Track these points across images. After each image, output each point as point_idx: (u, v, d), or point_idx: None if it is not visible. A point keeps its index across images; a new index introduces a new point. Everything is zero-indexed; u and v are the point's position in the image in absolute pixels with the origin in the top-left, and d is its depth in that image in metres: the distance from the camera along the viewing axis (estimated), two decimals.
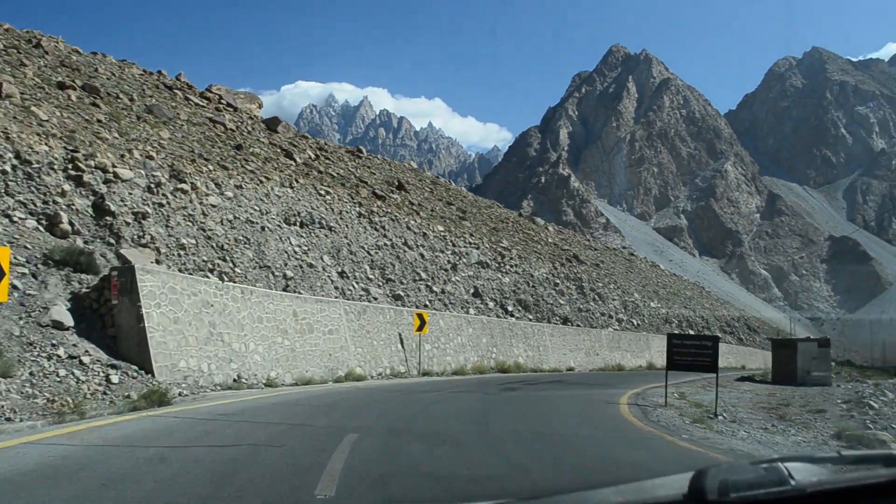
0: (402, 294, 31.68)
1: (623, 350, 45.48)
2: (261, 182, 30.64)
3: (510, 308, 39.77)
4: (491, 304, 38.71)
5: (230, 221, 25.48)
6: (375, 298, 29.03)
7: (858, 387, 25.51)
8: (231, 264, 23.33)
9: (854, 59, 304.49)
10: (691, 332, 62.10)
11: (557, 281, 50.80)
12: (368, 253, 33.34)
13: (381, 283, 31.90)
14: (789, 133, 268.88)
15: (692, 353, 17.54)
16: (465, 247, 44.65)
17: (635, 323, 55.16)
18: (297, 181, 34.43)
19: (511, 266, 46.70)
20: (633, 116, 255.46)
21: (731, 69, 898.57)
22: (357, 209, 37.22)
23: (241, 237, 25.17)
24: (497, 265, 45.14)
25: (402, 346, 25.69)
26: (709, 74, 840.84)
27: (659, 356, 48.74)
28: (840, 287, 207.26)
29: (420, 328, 25.82)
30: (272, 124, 45.08)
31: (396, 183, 51.20)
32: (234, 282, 20.87)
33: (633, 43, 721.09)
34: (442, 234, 44.29)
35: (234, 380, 17.50)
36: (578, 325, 44.92)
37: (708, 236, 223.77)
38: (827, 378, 29.62)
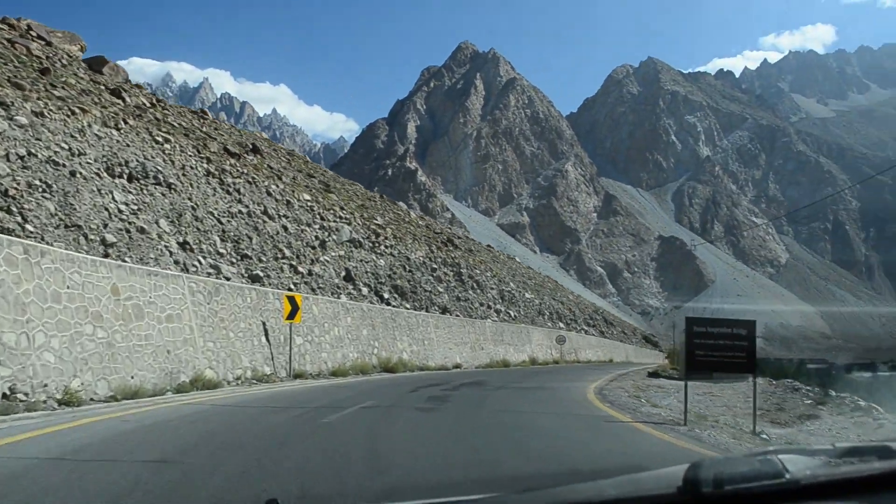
0: (260, 274, 24.73)
1: (506, 344, 41.48)
2: (73, 113, 23.09)
3: (386, 295, 33.84)
4: (365, 291, 32.50)
5: (22, 158, 18.05)
6: (228, 279, 21.76)
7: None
8: (20, 217, 16.26)
9: (685, 71, 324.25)
10: (562, 325, 60.47)
11: (435, 266, 45.38)
12: (219, 221, 26.41)
13: (234, 260, 24.66)
14: (625, 137, 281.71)
15: (721, 347, 12.10)
16: (335, 221, 38.49)
17: (512, 314, 50.86)
18: (126, 122, 26.36)
19: (386, 247, 40.71)
20: (480, 113, 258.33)
21: (574, 73, 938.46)
22: (205, 165, 30.29)
23: (38, 181, 17.88)
24: (371, 245, 38.95)
25: (268, 340, 19.56)
26: (553, 77, 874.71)
27: (540, 350, 46.21)
28: (668, 284, 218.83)
29: (291, 315, 19.98)
30: (97, 64, 33.90)
31: (251, 146, 42.66)
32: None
33: (481, 41, 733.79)
34: (308, 204, 37.96)
35: (4, 395, 10.29)
36: (458, 316, 39.46)
37: (548, 233, 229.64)
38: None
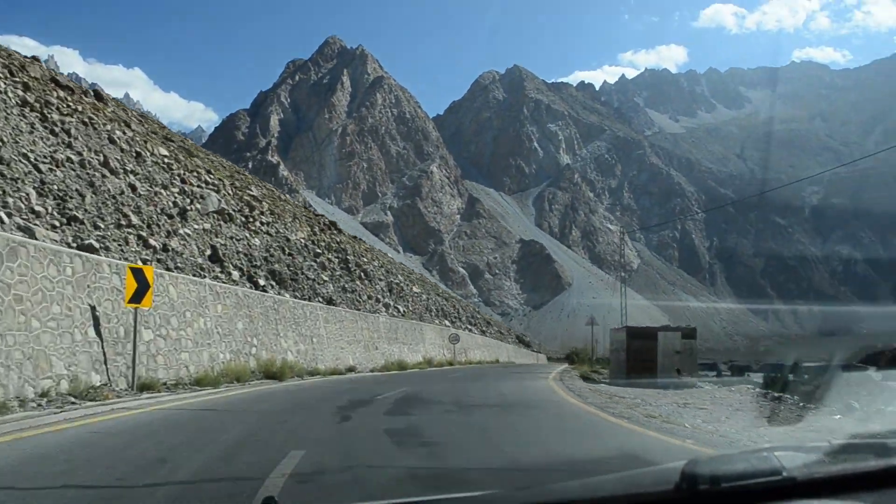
0: (96, 245, 17.66)
1: (401, 343, 36.88)
2: None
3: (262, 282, 26.73)
4: (236, 275, 25.27)
5: None
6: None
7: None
8: None
9: (548, 81, 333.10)
10: (448, 323, 57.28)
11: (319, 250, 38.95)
12: (36, 168, 19.71)
13: (58, 222, 17.84)
14: (489, 142, 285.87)
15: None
16: (200, 187, 31.05)
17: (401, 309, 45.17)
18: None
19: (263, 223, 33.82)
20: (346, 110, 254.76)
21: (441, 76, 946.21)
22: (20, 92, 23.52)
23: None
24: (244, 220, 31.98)
25: (99, 333, 13.03)
26: (421, 78, 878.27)
27: (433, 349, 42.67)
28: (527, 286, 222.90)
29: (138, 297, 13.35)
30: None
31: (93, 93, 35.25)
32: None
33: (349, 37, 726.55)
34: (166, 161, 30.54)
35: None
36: (349, 309, 33.76)
37: (412, 234, 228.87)
38: (691, 381, 24.07)
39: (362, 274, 43.41)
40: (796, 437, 10.58)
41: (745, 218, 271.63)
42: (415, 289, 57.22)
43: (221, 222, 29.30)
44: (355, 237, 60.27)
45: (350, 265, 42.37)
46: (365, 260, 47.81)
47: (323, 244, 41.87)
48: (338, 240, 46.67)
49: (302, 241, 38.15)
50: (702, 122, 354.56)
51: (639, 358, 25.74)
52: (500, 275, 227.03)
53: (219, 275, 23.96)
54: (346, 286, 38.17)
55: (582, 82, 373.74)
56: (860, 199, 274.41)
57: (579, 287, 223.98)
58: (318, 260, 37.21)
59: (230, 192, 35.02)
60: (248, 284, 25.32)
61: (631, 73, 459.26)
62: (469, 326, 64.88)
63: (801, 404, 16.26)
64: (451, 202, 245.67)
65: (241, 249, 28.62)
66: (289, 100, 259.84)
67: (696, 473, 1.93)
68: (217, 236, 27.40)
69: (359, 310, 34.97)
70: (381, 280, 47.31)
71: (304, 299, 28.41)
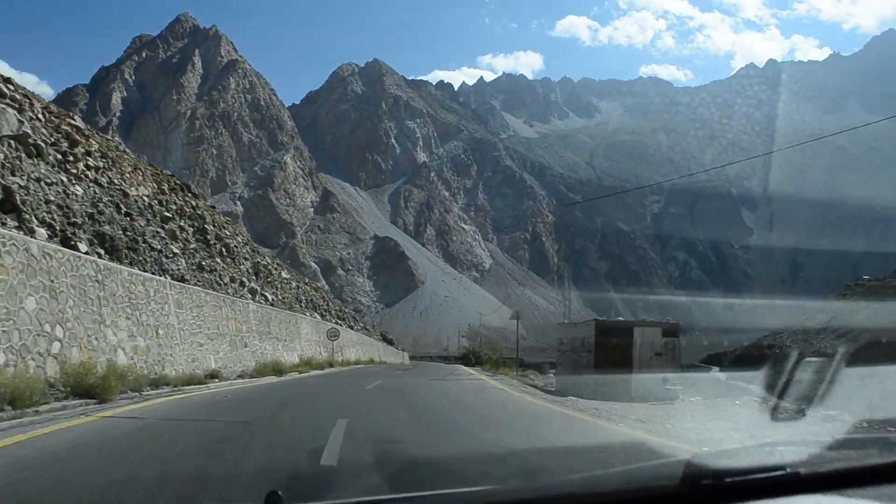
0: None
1: (275, 338, 29.64)
2: None
3: (83, 247, 18.27)
4: (42, 232, 17.03)
5: None
6: None
7: None
8: None
9: (408, 78, 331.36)
10: (318, 316, 48.90)
11: (168, 214, 29.48)
12: None
13: None
14: (346, 135, 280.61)
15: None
16: None
17: (269, 298, 37.02)
18: None
19: (88, 167, 23.56)
20: (197, 93, 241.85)
21: (299, 65, 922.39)
22: None
23: None
24: (61, 158, 21.67)
25: None
26: (277, 65, 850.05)
27: (309, 347, 36.38)
28: (380, 283, 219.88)
29: None
30: None
31: None
32: None
33: (203, 15, 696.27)
34: None
35: None
36: (212, 292, 25.81)
37: (263, 225, 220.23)
38: (675, 390, 20.07)
39: (224, 250, 34.39)
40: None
41: (591, 222, 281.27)
42: (284, 274, 48.83)
43: (22, 154, 19.19)
44: (213, 207, 52.96)
45: (209, 237, 33.03)
46: (227, 233, 37.69)
47: (174, 207, 31.53)
48: (193, 204, 35.60)
49: (145, 199, 27.47)
50: (555, 128, 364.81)
51: (609, 360, 21.15)
52: (352, 271, 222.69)
53: (12, 229, 14.96)
54: (204, 263, 29.80)
55: (441, 81, 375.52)
56: (695, 208, 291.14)
57: (433, 285, 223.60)
58: (166, 226, 27.56)
59: (41, 113, 22.98)
60: (58, 245, 15.69)
61: (489, 76, 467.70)
62: (338, 321, 56.62)
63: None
64: (304, 195, 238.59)
65: (52, 198, 19.13)
66: (133, 77, 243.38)
67: (699, 468, 1.90)
68: (14, 173, 18.19)
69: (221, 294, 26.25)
70: (246, 260, 38.25)
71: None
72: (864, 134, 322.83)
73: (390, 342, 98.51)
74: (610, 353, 21.40)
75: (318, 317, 48.31)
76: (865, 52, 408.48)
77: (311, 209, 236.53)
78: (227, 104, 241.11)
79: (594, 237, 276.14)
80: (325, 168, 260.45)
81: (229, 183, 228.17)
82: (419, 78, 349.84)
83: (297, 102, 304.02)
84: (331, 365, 36.10)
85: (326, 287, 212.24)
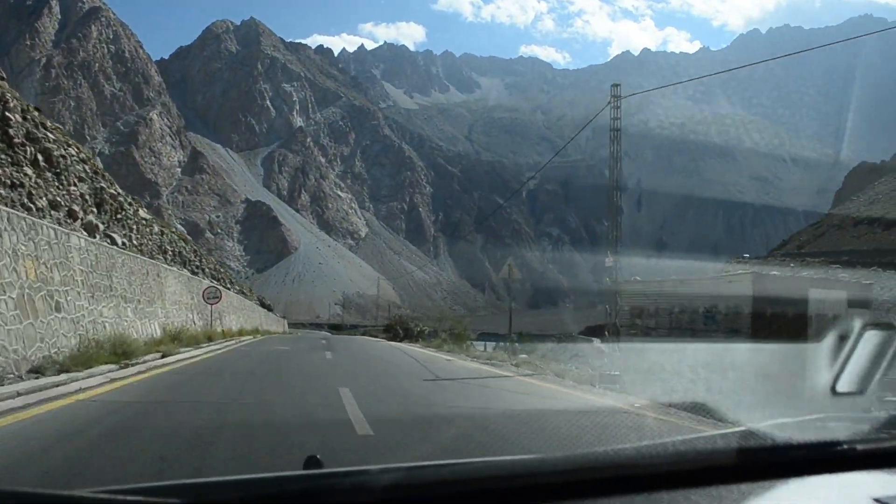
0: None
1: (120, 297, 18.09)
2: None
3: None
4: None
5: None
6: None
7: None
8: None
9: (286, 40, 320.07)
10: (189, 274, 36.14)
11: None
12: None
13: None
14: (219, 94, 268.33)
15: None
16: None
17: (119, 241, 25.42)
18: None
19: None
20: (53, 39, 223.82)
21: (169, 17, 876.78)
22: None
23: None
24: None
25: None
26: (144, 16, 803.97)
27: (177, 311, 25.39)
28: (251, 248, 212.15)
29: None
30: None
31: None
32: None
33: None
34: None
35: None
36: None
37: (125, 184, 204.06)
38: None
39: (42, 159, 22.27)
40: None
41: (469, 196, 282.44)
42: (143, 213, 34.51)
43: None
44: (30, 105, 43.30)
45: (14, 135, 20.89)
46: (51, 137, 24.91)
47: None
48: None
49: None
50: (435, 101, 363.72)
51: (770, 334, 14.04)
52: (222, 234, 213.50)
53: None
54: (4, 173, 19.39)
55: (321, 46, 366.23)
56: (569, 186, 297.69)
57: (306, 252, 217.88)
58: None
59: None
60: None
61: (370, 45, 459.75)
62: (213, 282, 42.64)
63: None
64: (171, 154, 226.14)
65: None
66: None
67: (755, 440, 1.88)
68: None
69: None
70: (81, 182, 26.01)
71: None
72: (726, 124, 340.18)
73: (269, 308, 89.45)
74: (772, 325, 13.94)
75: (189, 274, 36.48)
76: (732, 48, 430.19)
77: (179, 169, 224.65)
78: (88, 54, 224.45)
79: (471, 210, 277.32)
80: (195, 127, 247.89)
81: (88, 137, 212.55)
82: (298, 41, 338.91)
83: (167, 57, 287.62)
84: (210, 339, 25.45)
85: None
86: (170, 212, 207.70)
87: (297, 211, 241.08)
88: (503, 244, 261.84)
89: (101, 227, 25.42)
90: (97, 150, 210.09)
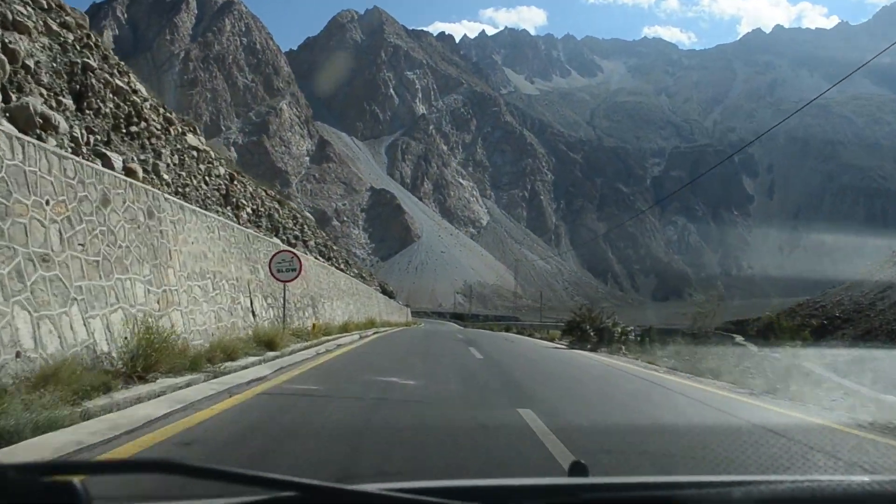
0: None
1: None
2: None
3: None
4: None
5: None
6: None
7: None
8: None
9: (409, 28, 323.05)
10: (279, 240, 28.54)
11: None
12: None
13: None
14: (344, 84, 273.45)
15: None
16: None
17: (120, 163, 17.33)
18: None
19: None
20: (191, 34, 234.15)
21: (297, 9, 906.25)
22: None
23: None
24: None
25: None
26: (274, 8, 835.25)
27: (212, 295, 13.81)
28: (376, 236, 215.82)
29: None
30: None
31: None
32: None
33: None
34: None
35: None
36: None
37: (257, 172, 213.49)
38: None
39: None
40: None
41: (591, 183, 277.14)
42: (193, 140, 25.02)
43: None
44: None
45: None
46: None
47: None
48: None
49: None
50: (556, 85, 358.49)
51: None
52: (348, 222, 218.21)
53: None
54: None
55: (442, 33, 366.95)
56: (696, 173, 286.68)
57: (429, 240, 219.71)
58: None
59: None
60: None
61: (491, 31, 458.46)
62: (318, 258, 36.57)
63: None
64: (300, 143, 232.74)
65: None
66: (126, 15, 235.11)
67: None
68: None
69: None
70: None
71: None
72: (867, 105, 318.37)
73: (391, 295, 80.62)
74: None
75: (281, 241, 27.75)
76: (874, 23, 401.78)
77: (307, 158, 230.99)
78: (222, 46, 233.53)
79: (593, 198, 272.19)
80: (322, 116, 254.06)
81: (223, 128, 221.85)
82: (420, 28, 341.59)
83: (295, 48, 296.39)
84: (271, 345, 13.90)
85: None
86: (298, 200, 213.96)
87: (420, 199, 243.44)
88: (626, 233, 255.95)
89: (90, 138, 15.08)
90: (232, 140, 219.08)
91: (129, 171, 13.89)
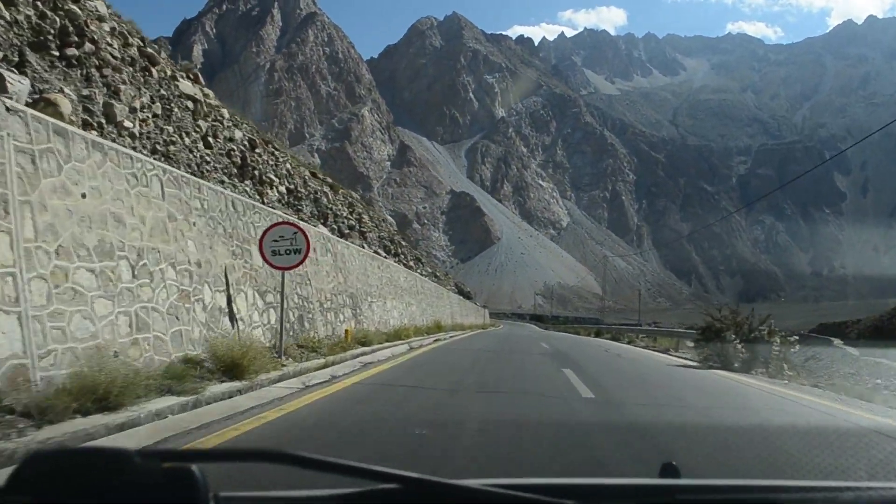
0: None
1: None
2: None
3: None
4: None
5: None
6: None
7: None
8: None
9: (487, 32, 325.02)
10: (325, 227, 31.13)
11: None
12: None
13: None
14: (424, 89, 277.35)
15: None
16: None
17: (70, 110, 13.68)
18: None
19: None
20: (276, 45, 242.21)
21: (378, 18, 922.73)
22: None
23: None
24: None
25: None
26: (355, 18, 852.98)
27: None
28: (456, 238, 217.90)
29: None
30: None
31: None
32: None
33: None
34: None
35: None
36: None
37: (340, 178, 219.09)
38: None
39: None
40: None
41: (674, 182, 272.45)
42: (188, 86, 18.71)
43: None
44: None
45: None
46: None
47: None
48: None
49: None
50: (637, 85, 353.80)
51: None
52: (428, 225, 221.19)
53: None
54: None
55: (521, 36, 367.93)
56: (784, 171, 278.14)
57: (508, 242, 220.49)
58: None
59: None
60: None
61: (569, 32, 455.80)
62: (376, 250, 31.76)
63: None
64: (381, 148, 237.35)
65: None
66: (214, 30, 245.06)
67: None
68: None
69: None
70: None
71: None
72: None
73: (468, 296, 74.27)
74: None
75: (329, 228, 25.32)
76: None
77: (388, 162, 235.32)
78: (306, 56, 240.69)
79: (676, 198, 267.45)
80: (402, 122, 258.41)
81: (307, 135, 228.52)
82: (498, 32, 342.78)
83: (375, 56, 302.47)
84: (234, 374, 8.36)
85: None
86: (380, 204, 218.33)
87: (500, 201, 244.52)
88: (711, 233, 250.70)
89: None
90: (315, 147, 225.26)
91: (47, 104, 9.81)
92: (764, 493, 1.30)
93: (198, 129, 17.80)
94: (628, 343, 34.62)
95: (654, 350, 28.46)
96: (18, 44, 11.52)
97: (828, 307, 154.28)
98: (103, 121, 12.27)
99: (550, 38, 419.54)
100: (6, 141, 5.73)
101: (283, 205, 21.62)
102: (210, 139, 18.30)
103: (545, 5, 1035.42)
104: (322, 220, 25.42)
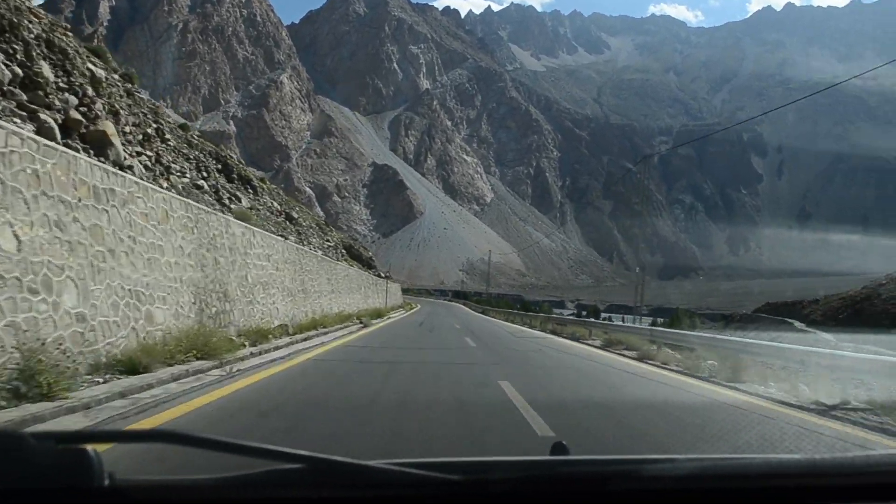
0: None
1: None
2: None
3: None
4: None
5: None
6: None
7: None
8: None
9: (413, 1, 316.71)
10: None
11: None
12: None
13: None
14: (346, 57, 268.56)
15: None
16: None
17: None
18: None
19: None
20: (189, 4, 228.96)
21: None
22: None
23: None
24: None
25: None
26: None
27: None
28: (377, 212, 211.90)
29: None
30: None
31: None
32: None
33: None
34: None
35: None
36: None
37: (256, 147, 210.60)
38: None
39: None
40: None
41: (597, 160, 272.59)
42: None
43: None
44: None
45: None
46: None
47: None
48: None
49: None
50: (563, 62, 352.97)
51: None
52: (349, 198, 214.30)
53: None
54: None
55: (447, 7, 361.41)
56: (704, 152, 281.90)
57: (431, 217, 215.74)
58: None
59: None
60: None
61: (496, 7, 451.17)
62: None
63: None
64: (301, 117, 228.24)
65: None
66: None
67: None
68: None
69: None
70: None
71: None
72: (880, 84, 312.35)
73: (369, 264, 58.05)
74: None
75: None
76: (886, 0, 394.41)
77: (308, 132, 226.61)
78: (222, 18, 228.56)
79: (599, 175, 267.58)
80: (323, 90, 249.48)
81: (222, 101, 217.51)
82: (424, 2, 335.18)
83: (296, 22, 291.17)
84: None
85: (321, 214, 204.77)
86: (299, 175, 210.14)
87: (423, 175, 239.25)
88: (632, 211, 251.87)
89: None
90: (230, 114, 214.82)
91: None
92: (631, 465, 1.39)
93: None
94: (552, 333, 27.10)
95: (572, 341, 22.48)
96: None
97: (750, 286, 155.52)
98: None
99: (477, 11, 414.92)
100: None
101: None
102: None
103: None
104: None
